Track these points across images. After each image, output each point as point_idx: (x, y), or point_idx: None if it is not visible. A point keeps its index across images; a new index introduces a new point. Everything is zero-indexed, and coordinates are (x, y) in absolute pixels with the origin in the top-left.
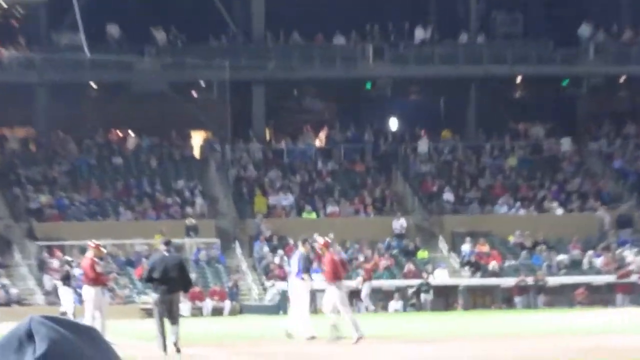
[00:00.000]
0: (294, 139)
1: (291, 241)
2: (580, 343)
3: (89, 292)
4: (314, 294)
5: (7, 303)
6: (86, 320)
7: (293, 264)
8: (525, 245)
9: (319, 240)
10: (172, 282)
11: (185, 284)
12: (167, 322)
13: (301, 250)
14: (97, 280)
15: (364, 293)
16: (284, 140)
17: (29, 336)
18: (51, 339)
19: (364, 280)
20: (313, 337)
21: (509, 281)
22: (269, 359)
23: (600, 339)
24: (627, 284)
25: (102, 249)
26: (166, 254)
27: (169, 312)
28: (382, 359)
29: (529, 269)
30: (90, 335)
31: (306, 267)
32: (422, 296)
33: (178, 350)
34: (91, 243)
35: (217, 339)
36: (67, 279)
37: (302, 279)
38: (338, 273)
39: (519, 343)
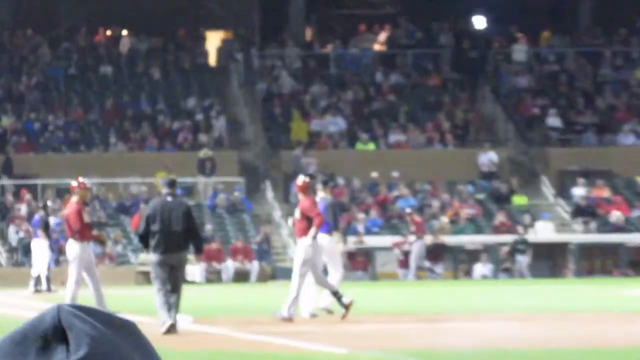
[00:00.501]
0: (345, 42)
1: (340, 181)
2: None
3: (74, 248)
4: (370, 254)
5: None
6: (69, 289)
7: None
8: None
9: (298, 180)
10: (175, 237)
11: (195, 241)
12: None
13: (322, 195)
14: (85, 232)
15: (414, 255)
16: (331, 43)
17: (59, 332)
18: (90, 337)
19: (417, 238)
20: (315, 315)
21: (637, 238)
22: (307, 339)
23: None
24: None
25: (88, 188)
26: (169, 199)
27: (171, 277)
28: (456, 340)
29: None
30: (128, 331)
31: (337, 220)
32: (518, 258)
33: (173, 328)
34: (74, 182)
35: (239, 312)
36: (46, 229)
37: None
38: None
39: None
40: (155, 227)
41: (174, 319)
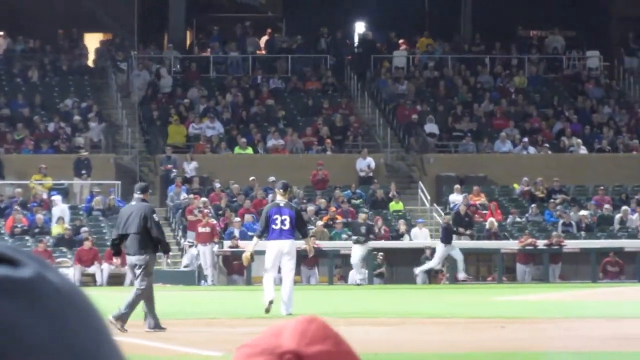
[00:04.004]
0: (224, 45)
1: (218, 184)
2: (606, 329)
3: None
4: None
5: None
6: None
7: (283, 220)
8: (536, 196)
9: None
10: (133, 240)
11: (154, 242)
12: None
13: (282, 198)
14: None
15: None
16: (211, 47)
17: None
18: None
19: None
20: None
21: (512, 245)
22: (181, 342)
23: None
24: None
25: None
26: (133, 203)
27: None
28: None
29: (540, 229)
30: (33, 299)
31: (303, 224)
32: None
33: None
34: None
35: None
36: None
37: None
38: None
39: (515, 330)
40: (120, 232)
41: (146, 321)
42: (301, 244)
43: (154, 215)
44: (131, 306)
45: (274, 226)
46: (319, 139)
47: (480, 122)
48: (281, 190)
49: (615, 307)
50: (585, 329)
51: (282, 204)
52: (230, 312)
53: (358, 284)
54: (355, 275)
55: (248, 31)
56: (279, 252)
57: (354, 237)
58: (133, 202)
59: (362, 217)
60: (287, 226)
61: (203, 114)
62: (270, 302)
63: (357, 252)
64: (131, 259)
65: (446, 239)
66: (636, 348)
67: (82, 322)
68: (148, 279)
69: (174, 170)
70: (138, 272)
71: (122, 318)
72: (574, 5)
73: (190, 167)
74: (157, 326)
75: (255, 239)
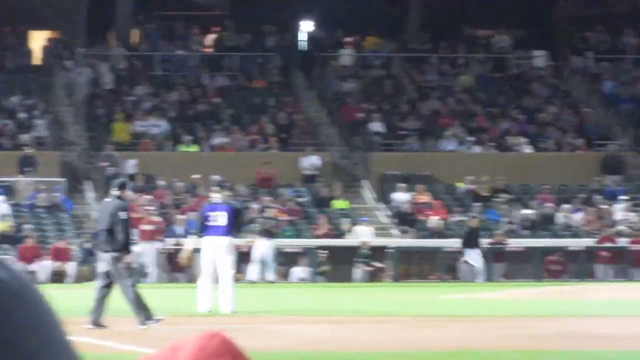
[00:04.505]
0: (170, 43)
1: (162, 182)
2: (538, 329)
3: None
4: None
5: None
6: None
7: (218, 217)
8: (480, 195)
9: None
10: (101, 236)
11: (115, 241)
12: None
13: (219, 197)
14: None
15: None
16: (157, 44)
17: None
18: None
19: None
20: (234, 312)
21: (455, 243)
22: (121, 340)
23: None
24: (612, 250)
25: None
26: (108, 199)
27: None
28: (271, 342)
29: (483, 227)
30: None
31: (241, 220)
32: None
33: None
34: None
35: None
36: None
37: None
38: None
39: (460, 329)
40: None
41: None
42: (239, 241)
43: (120, 213)
44: (134, 302)
45: (208, 223)
46: (264, 137)
47: (426, 120)
48: (215, 188)
49: (558, 305)
50: (529, 328)
51: (217, 201)
52: (173, 309)
53: (253, 282)
54: (253, 271)
55: (194, 29)
56: (214, 249)
57: (260, 230)
58: (109, 199)
59: (272, 212)
60: (222, 223)
61: (149, 112)
62: (209, 310)
63: (259, 248)
64: (101, 255)
65: (471, 243)
66: (579, 346)
67: (30, 319)
68: (127, 273)
69: (110, 168)
70: (113, 271)
71: (140, 316)
72: (521, 4)
73: (129, 165)
74: (97, 324)
75: (192, 237)
